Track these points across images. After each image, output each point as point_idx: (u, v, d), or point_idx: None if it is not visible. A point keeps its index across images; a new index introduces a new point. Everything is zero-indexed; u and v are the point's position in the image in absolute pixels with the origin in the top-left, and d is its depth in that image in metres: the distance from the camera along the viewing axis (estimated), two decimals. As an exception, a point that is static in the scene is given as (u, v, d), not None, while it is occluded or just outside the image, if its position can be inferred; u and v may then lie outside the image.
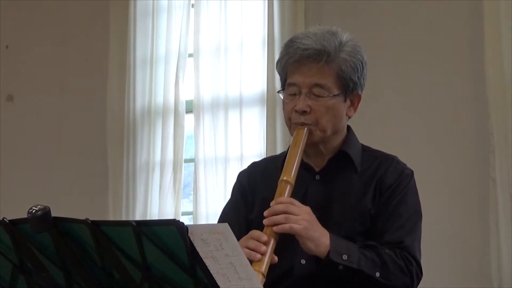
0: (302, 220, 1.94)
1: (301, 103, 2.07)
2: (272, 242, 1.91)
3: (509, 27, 3.33)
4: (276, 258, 1.91)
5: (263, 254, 1.86)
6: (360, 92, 2.14)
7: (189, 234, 1.34)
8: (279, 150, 3.60)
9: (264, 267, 1.85)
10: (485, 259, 3.32)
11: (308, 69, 2.07)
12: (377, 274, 1.98)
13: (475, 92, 3.48)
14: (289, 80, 2.11)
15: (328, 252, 1.95)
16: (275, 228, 1.92)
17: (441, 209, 3.40)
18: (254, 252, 1.86)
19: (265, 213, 1.96)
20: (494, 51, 3.35)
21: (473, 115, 3.49)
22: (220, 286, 1.41)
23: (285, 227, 1.92)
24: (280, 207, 1.95)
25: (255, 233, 1.93)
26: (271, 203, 1.97)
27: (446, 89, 3.55)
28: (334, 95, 2.08)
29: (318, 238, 1.95)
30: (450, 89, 3.54)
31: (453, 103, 3.53)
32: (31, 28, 4.47)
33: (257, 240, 1.90)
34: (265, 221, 1.94)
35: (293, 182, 2.01)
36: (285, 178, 2.01)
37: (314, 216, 1.99)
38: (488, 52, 3.38)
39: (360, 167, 2.15)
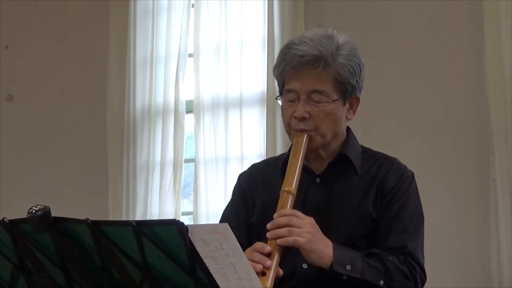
0: (305, 232, 1.93)
1: (300, 110, 2.06)
2: (276, 256, 1.90)
3: (509, 27, 3.33)
4: (281, 272, 1.91)
5: (268, 268, 1.86)
6: (358, 95, 2.14)
7: (189, 234, 1.34)
8: (279, 150, 3.60)
9: (269, 282, 1.85)
10: (485, 259, 3.32)
11: (306, 75, 2.06)
12: (381, 282, 1.98)
13: (475, 92, 3.48)
14: (287, 87, 2.10)
15: (332, 263, 1.95)
16: (278, 241, 1.91)
17: (441, 209, 3.40)
18: (259, 266, 1.85)
19: (268, 226, 1.95)
20: (494, 51, 3.35)
21: (473, 115, 3.49)
22: (220, 286, 1.41)
23: (289, 240, 1.91)
24: (283, 220, 1.94)
25: (258, 244, 1.93)
26: (274, 216, 1.97)
27: (446, 89, 3.55)
28: (333, 100, 2.07)
29: (322, 250, 1.95)
30: (450, 89, 3.55)
31: (453, 103, 3.53)
32: (31, 28, 4.47)
33: (261, 252, 1.89)
34: (268, 235, 1.94)
35: (295, 192, 2.00)
36: (286, 189, 2.00)
37: (318, 227, 1.98)
38: (488, 52, 3.38)
39: (360, 170, 2.14)
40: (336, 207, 2.11)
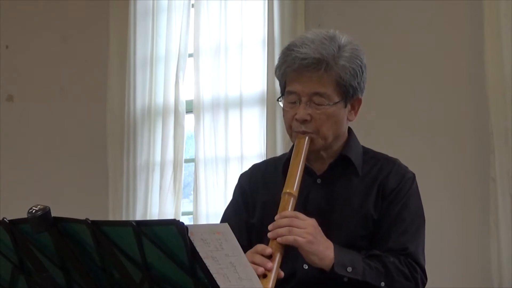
0: (306, 233, 1.93)
1: (301, 112, 2.06)
2: (278, 258, 1.90)
3: (509, 27, 3.33)
4: (282, 274, 1.91)
5: (269, 270, 1.86)
6: (360, 96, 2.13)
7: (189, 234, 1.34)
8: (279, 150, 3.60)
9: (270, 283, 1.85)
10: (485, 259, 3.32)
11: (307, 78, 2.05)
12: (382, 284, 1.99)
13: (475, 92, 3.48)
14: (288, 88, 2.10)
15: (333, 265, 1.95)
16: (279, 239, 1.91)
17: (441, 209, 3.40)
18: (261, 268, 1.85)
19: (270, 227, 1.95)
20: (494, 51, 3.35)
21: (473, 115, 3.49)
22: (220, 286, 1.41)
23: (289, 239, 1.92)
24: (284, 221, 1.94)
25: (259, 247, 1.92)
26: (276, 217, 1.97)
27: (446, 89, 3.55)
28: (334, 103, 2.07)
29: (322, 252, 1.95)
30: (450, 89, 3.55)
31: (453, 103, 3.53)
32: (31, 28, 4.47)
33: (262, 254, 1.89)
34: (269, 234, 1.94)
35: (296, 194, 2.00)
36: (288, 191, 2.00)
37: (319, 228, 1.98)
38: (488, 52, 3.38)
39: (361, 171, 2.14)
40: (337, 208, 2.11)
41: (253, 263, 1.84)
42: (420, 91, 3.59)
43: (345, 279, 1.96)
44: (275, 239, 1.93)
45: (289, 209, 1.98)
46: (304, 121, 2.06)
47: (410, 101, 3.61)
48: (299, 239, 1.92)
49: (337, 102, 2.07)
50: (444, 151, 3.52)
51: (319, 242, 1.95)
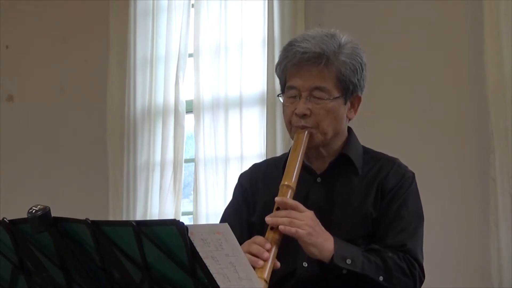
0: (305, 225, 1.94)
1: (301, 106, 2.07)
2: (274, 248, 1.91)
3: (509, 27, 3.33)
4: (278, 264, 1.91)
5: (265, 260, 1.87)
6: (360, 94, 2.14)
7: (189, 234, 1.34)
8: (279, 150, 3.60)
9: (266, 273, 1.85)
10: (485, 259, 3.32)
11: (308, 72, 2.07)
12: (381, 278, 1.99)
13: (475, 92, 3.48)
14: (288, 83, 2.11)
15: (332, 257, 1.95)
16: (281, 228, 1.92)
17: (441, 209, 3.40)
18: (256, 258, 1.86)
19: (268, 216, 1.96)
20: (494, 51, 3.35)
21: (473, 115, 3.49)
22: (220, 286, 1.41)
23: (292, 230, 1.92)
24: (282, 213, 1.95)
25: (258, 239, 1.93)
26: (276, 199, 1.97)
27: (446, 89, 3.55)
28: (334, 98, 2.07)
29: (322, 244, 1.96)
30: (450, 89, 3.55)
31: (453, 103, 3.53)
32: (31, 28, 4.47)
33: (260, 246, 1.89)
34: (268, 221, 1.94)
35: (294, 186, 2.01)
36: (286, 183, 2.01)
37: (318, 220, 1.98)
38: (488, 52, 3.38)
39: (361, 170, 2.14)
40: (337, 207, 2.11)
41: (249, 252, 1.86)
42: (420, 91, 3.59)
43: (344, 271, 1.96)
44: (271, 229, 1.93)
45: None
46: (303, 116, 2.07)
47: (410, 101, 3.61)
48: (300, 231, 1.92)
49: (337, 97, 2.08)
50: (444, 151, 3.52)
51: (318, 233, 1.96)
